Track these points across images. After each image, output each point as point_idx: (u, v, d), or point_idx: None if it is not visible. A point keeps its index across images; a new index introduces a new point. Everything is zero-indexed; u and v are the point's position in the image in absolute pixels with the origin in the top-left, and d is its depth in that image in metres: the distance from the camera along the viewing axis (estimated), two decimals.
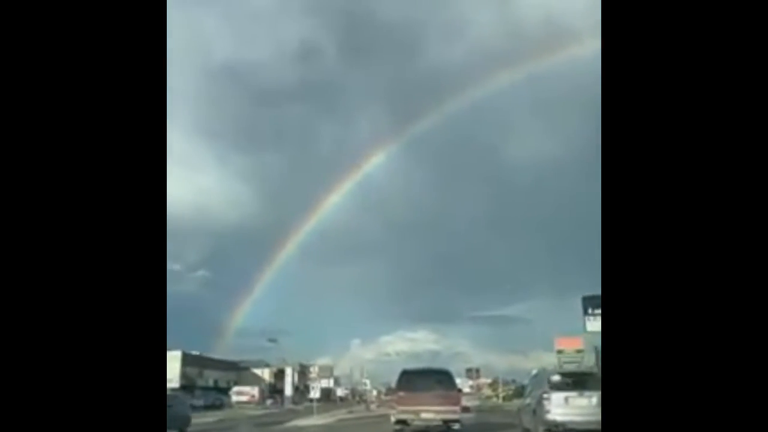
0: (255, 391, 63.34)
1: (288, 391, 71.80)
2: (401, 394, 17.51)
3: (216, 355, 71.37)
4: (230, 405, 52.27)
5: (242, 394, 56.05)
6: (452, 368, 21.36)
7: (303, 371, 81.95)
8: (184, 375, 59.14)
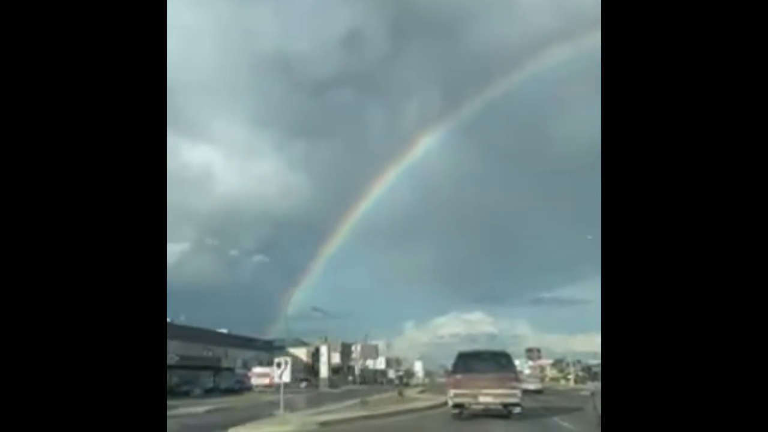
0: (274, 371, 63.86)
1: (323, 372, 72.66)
2: (458, 376, 17.93)
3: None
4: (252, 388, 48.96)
5: (262, 376, 50.00)
6: (510, 350, 21.70)
7: (345, 351, 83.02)
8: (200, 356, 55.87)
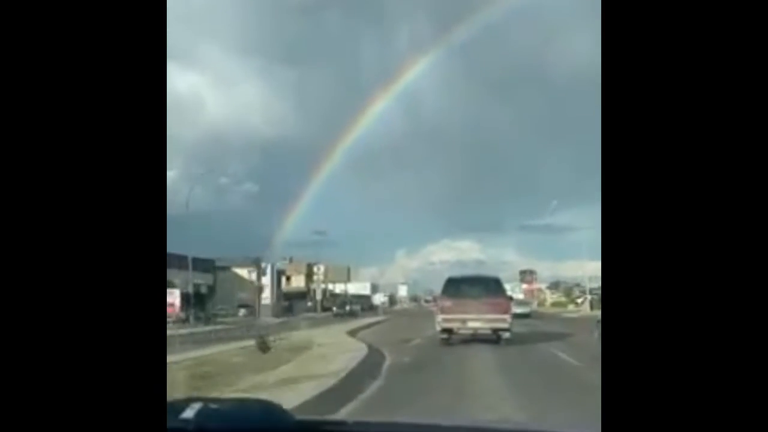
0: (175, 296, 53.47)
1: (266, 296, 70.53)
2: (446, 301, 20.04)
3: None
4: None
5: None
6: (501, 276, 24.48)
7: (310, 273, 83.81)
8: None
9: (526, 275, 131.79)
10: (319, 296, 73.50)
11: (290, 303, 74.77)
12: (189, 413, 1.87)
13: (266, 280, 71.03)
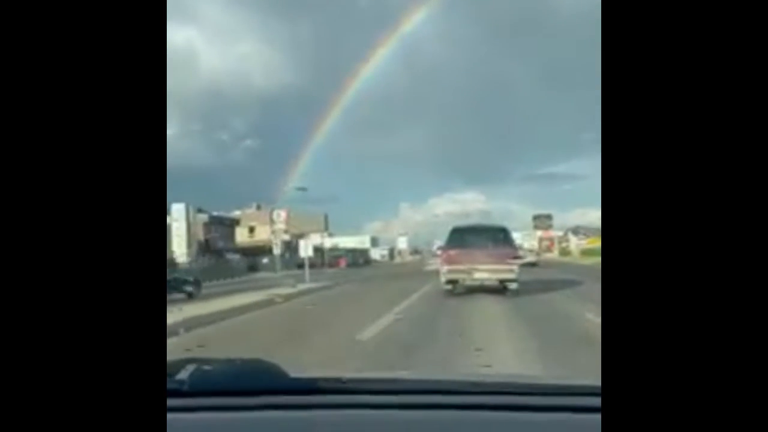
0: None
1: (179, 249, 68.91)
2: (451, 252, 22.55)
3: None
4: None
5: None
6: (508, 226, 26.48)
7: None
8: None
9: (542, 221, 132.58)
10: (278, 250, 65.03)
11: (253, 260, 73.90)
12: (183, 375, 2.05)
13: (179, 227, 70.65)
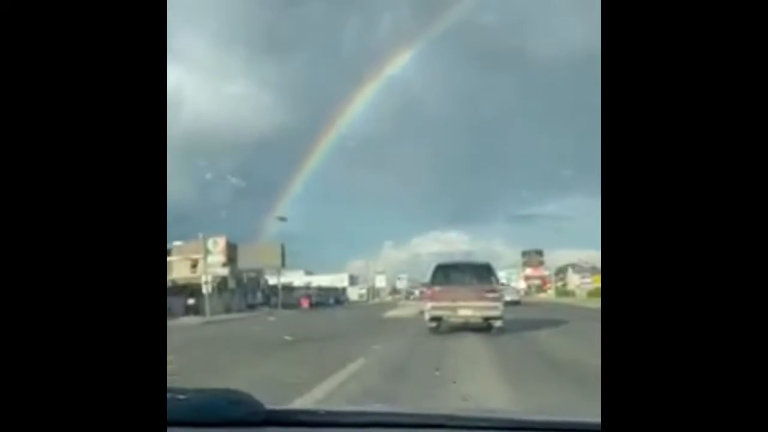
0: None
1: None
2: (435, 288, 25.25)
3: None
4: None
5: None
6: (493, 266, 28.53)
7: (231, 255, 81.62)
8: None
9: (532, 257, 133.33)
10: (207, 288, 58.86)
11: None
12: None
13: None
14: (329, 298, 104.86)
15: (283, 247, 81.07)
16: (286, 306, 75.76)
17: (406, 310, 48.74)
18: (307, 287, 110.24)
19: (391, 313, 44.26)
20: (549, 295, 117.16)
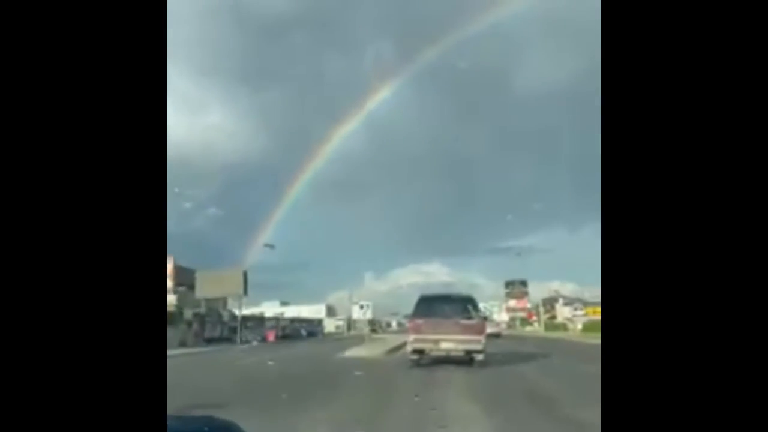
0: None
1: None
2: (418, 320, 26.64)
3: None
4: None
5: None
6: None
7: (185, 281, 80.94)
8: None
9: (515, 288, 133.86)
10: (189, 315, 71.24)
11: None
12: None
13: None
14: (301, 330, 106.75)
15: (245, 275, 79.52)
16: (247, 340, 75.46)
17: (373, 347, 45.26)
18: (278, 319, 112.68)
19: (352, 353, 38.26)
20: (536, 328, 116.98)
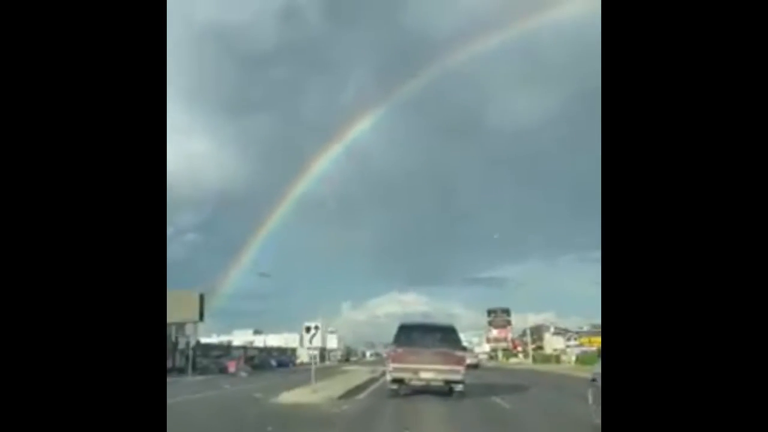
0: None
1: None
2: (398, 349, 27.73)
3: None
4: None
5: None
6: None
7: None
8: None
9: (498, 317, 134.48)
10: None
11: None
12: None
13: None
14: (270, 360, 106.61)
15: (202, 298, 76.71)
16: (205, 370, 75.06)
17: (331, 384, 36.57)
18: (245, 348, 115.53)
19: (293, 396, 28.65)
20: (522, 360, 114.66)
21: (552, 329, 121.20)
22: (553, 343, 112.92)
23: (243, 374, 71.38)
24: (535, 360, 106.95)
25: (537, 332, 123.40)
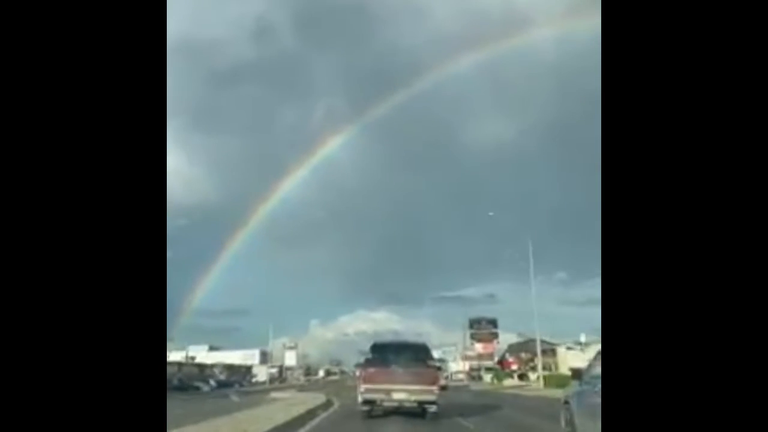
0: None
1: None
2: (370, 369, 29.53)
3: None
4: None
5: None
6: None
7: None
8: None
9: (482, 328, 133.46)
10: None
11: None
12: None
13: None
14: (208, 379, 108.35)
15: None
16: None
17: (254, 417, 27.99)
18: (180, 364, 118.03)
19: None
20: (520, 382, 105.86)
21: (567, 344, 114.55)
22: (568, 361, 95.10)
23: None
24: (547, 382, 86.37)
25: (527, 348, 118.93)
